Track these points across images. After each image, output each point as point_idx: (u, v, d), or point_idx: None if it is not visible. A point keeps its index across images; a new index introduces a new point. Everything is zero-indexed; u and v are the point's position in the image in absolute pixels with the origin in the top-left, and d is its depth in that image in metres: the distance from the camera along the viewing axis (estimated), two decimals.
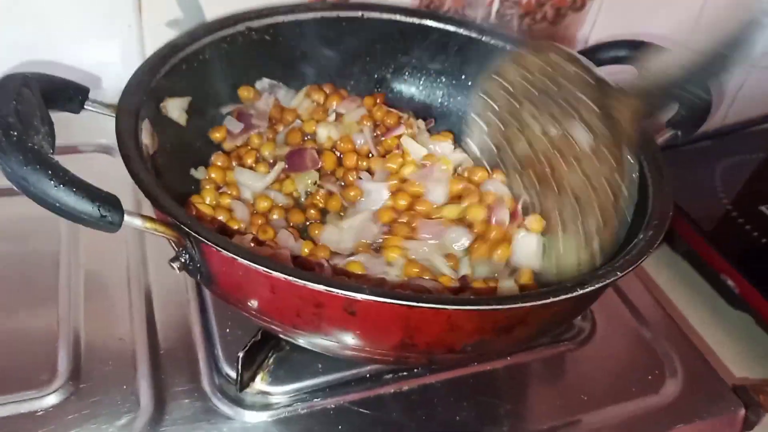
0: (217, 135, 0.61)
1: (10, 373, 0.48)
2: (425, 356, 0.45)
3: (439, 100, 0.69)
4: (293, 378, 0.51)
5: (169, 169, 0.52)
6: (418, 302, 0.38)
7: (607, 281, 0.42)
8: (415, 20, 0.65)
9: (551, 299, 0.40)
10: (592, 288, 0.41)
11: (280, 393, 0.51)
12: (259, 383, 0.51)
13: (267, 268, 0.38)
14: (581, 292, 0.41)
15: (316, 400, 0.51)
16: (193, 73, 0.57)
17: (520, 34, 0.66)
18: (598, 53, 0.63)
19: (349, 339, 0.42)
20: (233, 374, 0.50)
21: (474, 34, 0.64)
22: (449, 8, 0.80)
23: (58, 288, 0.54)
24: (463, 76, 0.67)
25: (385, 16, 0.64)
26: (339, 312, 0.39)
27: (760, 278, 0.73)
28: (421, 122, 0.65)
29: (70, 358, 0.50)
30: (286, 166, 0.58)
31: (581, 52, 0.62)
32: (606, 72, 0.56)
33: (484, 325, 0.41)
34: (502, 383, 0.55)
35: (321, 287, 0.37)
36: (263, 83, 0.64)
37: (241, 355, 0.48)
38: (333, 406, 0.50)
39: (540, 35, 0.86)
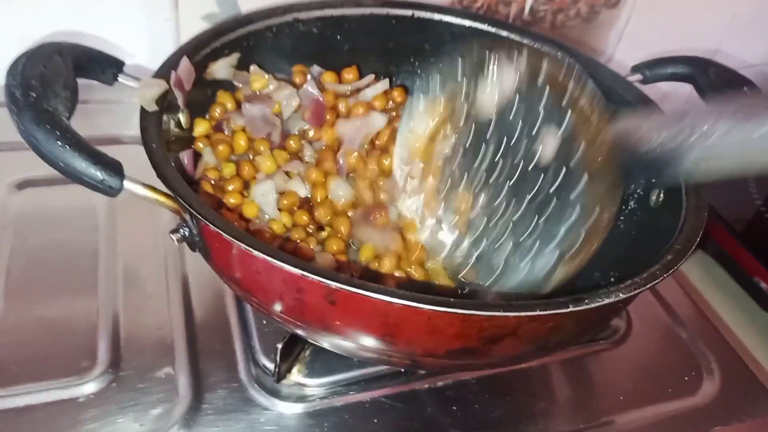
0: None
1: (52, 359, 0.47)
2: (407, 357, 0.42)
3: None
4: (329, 371, 0.50)
5: None
6: (393, 297, 0.35)
7: (606, 301, 0.37)
8: (466, 22, 0.63)
9: (537, 312, 0.36)
10: (587, 306, 0.37)
11: (316, 385, 0.49)
12: (296, 375, 0.49)
13: (250, 246, 0.37)
14: (572, 309, 0.36)
15: (351, 393, 0.49)
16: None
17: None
18: (655, 68, 0.60)
19: (333, 329, 0.40)
20: (269, 365, 0.49)
21: (525, 40, 0.61)
22: (483, 4, 0.80)
23: (97, 277, 0.53)
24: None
25: (436, 16, 0.62)
26: (320, 300, 0.37)
27: None
28: None
29: (110, 346, 0.49)
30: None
31: (637, 67, 0.60)
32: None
33: (467, 331, 0.38)
34: (537, 382, 0.53)
35: (298, 271, 0.35)
36: (314, 69, 0.62)
37: (279, 346, 0.46)
38: (368, 399, 0.49)
39: (573, 32, 0.85)
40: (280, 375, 0.49)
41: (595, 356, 0.56)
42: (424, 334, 0.38)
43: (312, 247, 0.51)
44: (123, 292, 0.53)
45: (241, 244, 0.37)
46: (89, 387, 0.46)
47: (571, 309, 0.36)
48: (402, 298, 0.35)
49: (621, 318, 0.59)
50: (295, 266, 0.36)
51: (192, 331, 0.51)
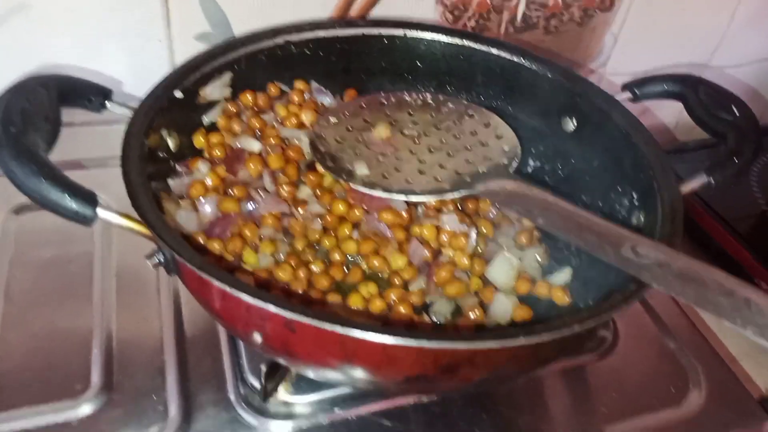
0: (272, 90, 0.60)
1: (47, 382, 0.48)
2: (370, 383, 0.43)
3: None
4: (315, 388, 0.50)
5: None
6: (345, 326, 0.35)
7: (558, 334, 0.37)
8: (456, 41, 0.62)
9: (487, 342, 0.36)
10: (538, 339, 0.36)
11: (303, 403, 0.49)
12: (282, 393, 0.50)
13: (212, 276, 0.37)
14: (523, 340, 0.36)
15: (337, 410, 0.49)
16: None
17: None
18: (645, 87, 0.59)
19: (296, 356, 0.41)
20: (257, 384, 0.49)
21: (516, 58, 0.60)
22: (473, 13, 0.79)
23: (92, 298, 0.54)
24: (508, 103, 0.63)
25: (428, 35, 0.62)
26: (281, 327, 0.38)
27: None
28: None
29: (103, 368, 0.49)
30: None
31: (627, 85, 0.60)
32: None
33: (423, 360, 0.38)
34: (522, 395, 0.52)
35: (261, 303, 0.36)
36: (314, 85, 0.62)
37: (264, 366, 0.47)
38: (354, 416, 0.49)
39: (568, 36, 0.84)
40: (267, 394, 0.49)
41: (582, 368, 0.55)
42: (382, 362, 0.38)
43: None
44: (116, 313, 0.53)
45: (202, 273, 0.37)
46: (83, 410, 0.47)
47: (522, 340, 0.36)
48: (357, 329, 0.35)
49: (608, 328, 0.58)
50: (253, 296, 0.36)
51: (182, 350, 0.52)
